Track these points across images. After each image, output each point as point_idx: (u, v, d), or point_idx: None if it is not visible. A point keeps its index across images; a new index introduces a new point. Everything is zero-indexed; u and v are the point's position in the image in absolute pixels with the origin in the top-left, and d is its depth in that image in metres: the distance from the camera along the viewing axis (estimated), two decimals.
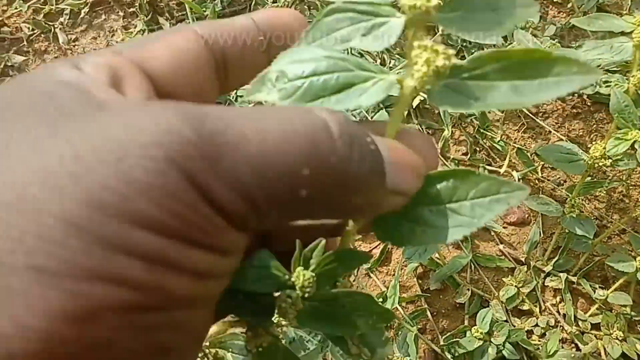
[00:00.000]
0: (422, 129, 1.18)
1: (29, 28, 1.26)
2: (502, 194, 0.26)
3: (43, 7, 1.28)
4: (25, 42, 1.25)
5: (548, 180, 1.13)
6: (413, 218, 0.28)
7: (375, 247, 1.06)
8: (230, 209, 0.20)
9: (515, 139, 1.18)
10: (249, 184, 0.20)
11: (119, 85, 0.24)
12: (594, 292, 0.99)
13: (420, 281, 1.03)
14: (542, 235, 1.07)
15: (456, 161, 1.15)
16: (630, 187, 1.11)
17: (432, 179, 0.27)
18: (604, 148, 0.85)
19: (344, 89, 0.26)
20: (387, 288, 0.99)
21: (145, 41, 0.28)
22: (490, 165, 1.15)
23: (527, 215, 1.10)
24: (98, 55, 0.25)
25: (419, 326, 1.00)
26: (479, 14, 0.28)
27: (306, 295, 0.30)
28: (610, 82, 0.99)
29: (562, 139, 1.15)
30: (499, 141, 1.14)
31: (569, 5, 1.33)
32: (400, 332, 0.94)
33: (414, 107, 1.18)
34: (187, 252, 0.20)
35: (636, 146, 0.78)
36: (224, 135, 0.20)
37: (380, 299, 0.92)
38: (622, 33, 0.78)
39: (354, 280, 1.04)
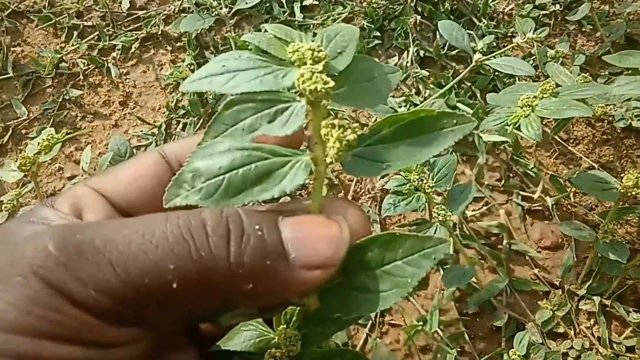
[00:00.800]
0: (457, 155, 1.23)
1: (84, 63, 1.35)
2: (427, 249, 0.28)
3: (97, 43, 1.37)
4: (81, 77, 1.34)
5: (580, 205, 1.17)
6: (355, 286, 0.29)
7: None
8: (95, 306, 0.24)
9: (548, 165, 1.23)
10: (112, 282, 0.24)
11: (80, 211, 0.31)
12: (628, 315, 1.03)
13: (457, 304, 1.07)
14: (575, 259, 1.10)
15: (490, 187, 1.20)
16: None
17: (364, 246, 0.29)
18: (637, 177, 0.89)
19: (264, 177, 0.27)
20: (426, 312, 1.04)
21: (114, 169, 0.34)
22: (523, 190, 1.19)
23: (560, 240, 1.14)
24: (72, 188, 0.32)
25: (458, 349, 1.04)
26: (360, 86, 0.31)
27: (291, 354, 0.32)
28: None
29: (593, 166, 1.19)
30: (532, 168, 1.19)
31: (597, 34, 1.37)
32: (439, 355, 0.99)
33: None
34: (63, 349, 0.24)
35: None
36: (90, 243, 0.25)
37: (421, 323, 0.97)
38: None
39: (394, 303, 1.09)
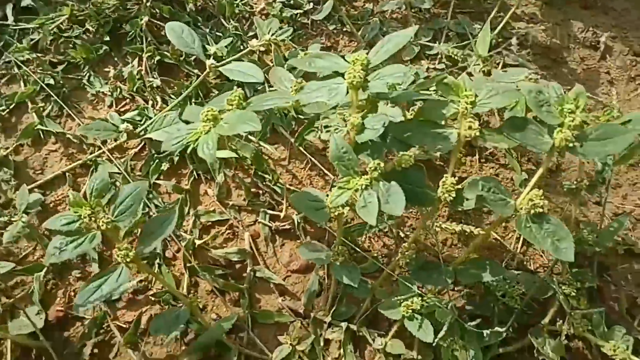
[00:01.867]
0: (200, 174, 1.08)
1: None
2: None
3: None
4: None
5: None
6: None
7: (143, 313, 0.94)
8: None
9: (302, 177, 1.12)
10: None
11: None
12: (374, 341, 0.93)
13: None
14: (326, 281, 1.00)
15: (236, 207, 1.06)
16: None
17: None
18: (336, 195, 0.78)
19: None
20: None
21: None
22: (272, 209, 1.07)
23: (311, 262, 1.03)
24: None
25: None
26: None
27: None
28: (331, 126, 0.94)
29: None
30: (275, 183, 1.06)
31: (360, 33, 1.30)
32: None
33: (187, 152, 1.08)
34: None
35: (357, 195, 0.71)
36: None
37: None
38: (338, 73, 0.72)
39: (114, 357, 0.91)
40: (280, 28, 1.05)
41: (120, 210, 0.74)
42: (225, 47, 1.11)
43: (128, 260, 0.73)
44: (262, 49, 1.08)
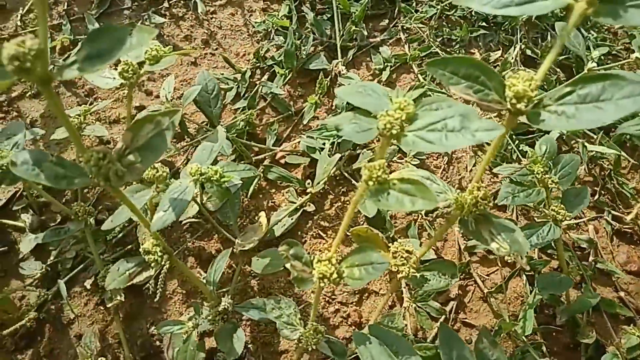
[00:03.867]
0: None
1: None
2: None
3: None
4: (164, 5, 1.25)
5: None
6: None
7: (495, 271, 1.04)
8: None
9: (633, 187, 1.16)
10: None
11: None
12: None
13: (535, 314, 1.00)
14: None
15: None
16: None
17: None
18: None
19: None
20: (500, 316, 0.97)
21: None
22: (614, 209, 1.12)
23: None
24: None
25: None
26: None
27: None
28: None
29: None
30: (631, 188, 1.12)
31: None
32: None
33: None
34: None
35: None
36: None
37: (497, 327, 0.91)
38: None
39: (469, 302, 1.01)
40: None
41: (562, 174, 0.84)
42: (602, 56, 1.18)
43: (560, 220, 0.82)
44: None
